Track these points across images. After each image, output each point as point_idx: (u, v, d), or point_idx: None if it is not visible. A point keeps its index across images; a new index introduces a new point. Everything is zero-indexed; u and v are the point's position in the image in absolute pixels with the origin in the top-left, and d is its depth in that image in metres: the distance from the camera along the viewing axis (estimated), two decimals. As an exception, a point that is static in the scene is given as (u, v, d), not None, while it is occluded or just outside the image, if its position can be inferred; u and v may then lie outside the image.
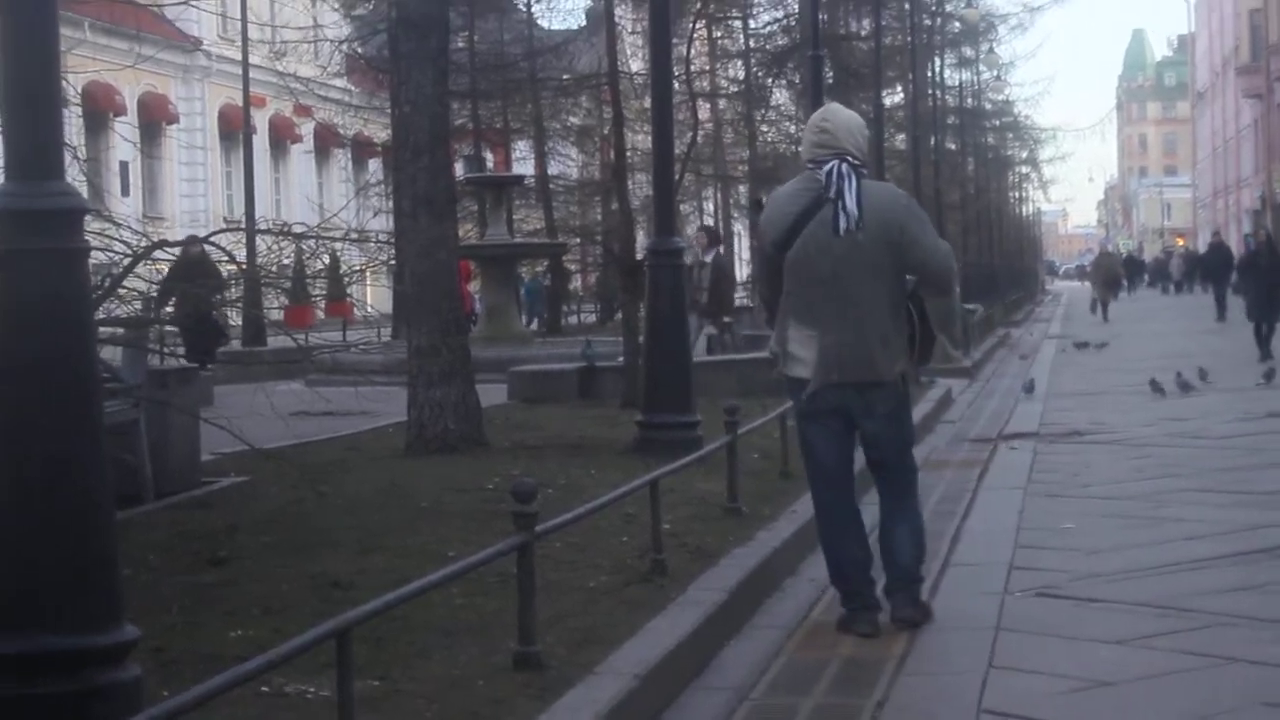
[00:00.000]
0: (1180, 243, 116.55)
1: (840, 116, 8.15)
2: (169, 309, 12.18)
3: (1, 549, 4.88)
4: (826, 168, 7.81)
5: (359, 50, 39.75)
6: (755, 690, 6.85)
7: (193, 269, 15.56)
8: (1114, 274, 55.28)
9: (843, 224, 7.71)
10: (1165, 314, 52.18)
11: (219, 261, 11.93)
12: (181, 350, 13.29)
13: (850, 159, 7.85)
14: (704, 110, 42.69)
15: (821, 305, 7.76)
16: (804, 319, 7.81)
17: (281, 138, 62.09)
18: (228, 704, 5.38)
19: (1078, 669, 6.95)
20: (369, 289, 37.17)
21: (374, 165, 54.64)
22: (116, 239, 10.00)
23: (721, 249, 22.06)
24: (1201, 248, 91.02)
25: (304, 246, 11.62)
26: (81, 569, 4.87)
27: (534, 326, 39.90)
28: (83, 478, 4.94)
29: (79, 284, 5.05)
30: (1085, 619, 7.97)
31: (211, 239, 12.01)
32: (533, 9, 42.55)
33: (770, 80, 44.50)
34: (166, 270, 15.64)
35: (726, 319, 23.50)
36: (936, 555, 9.59)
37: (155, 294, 11.71)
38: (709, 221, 64.60)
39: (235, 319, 20.85)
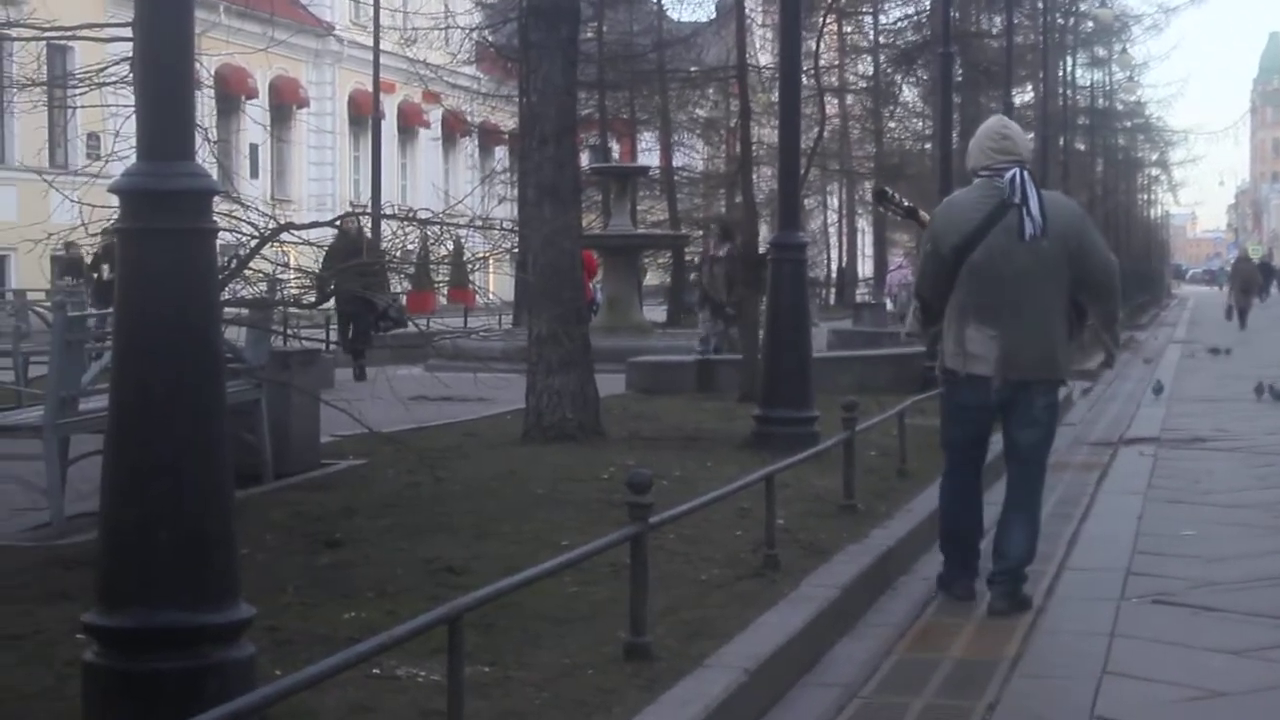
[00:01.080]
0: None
1: (1015, 127, 8.60)
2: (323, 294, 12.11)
3: (122, 524, 4.94)
4: (1009, 175, 8.19)
5: (489, 38, 39.92)
6: (865, 688, 6.82)
7: (354, 249, 15.44)
8: (1253, 279, 52.92)
9: (1029, 230, 8.10)
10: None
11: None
12: (305, 331, 13.28)
13: (1027, 168, 8.28)
14: (831, 106, 42.57)
15: (1003, 307, 8.11)
16: (985, 320, 8.13)
17: (409, 124, 62.56)
18: (339, 685, 5.44)
19: (1192, 678, 6.88)
20: (491, 276, 37.33)
21: (500, 153, 54.95)
22: (244, 220, 10.09)
23: (737, 241, 21.64)
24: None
25: (428, 232, 11.67)
26: (200, 547, 4.92)
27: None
28: (204, 456, 4.98)
29: (206, 264, 5.09)
30: (1202, 628, 7.88)
31: (337, 222, 12.08)
32: (662, 0, 42.55)
33: (899, 77, 44.31)
34: (326, 253, 15.52)
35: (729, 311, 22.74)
36: (1052, 558, 9.54)
37: (317, 277, 11.69)
38: (833, 218, 64.51)
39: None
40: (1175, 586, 8.83)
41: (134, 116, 5.17)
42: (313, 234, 11.37)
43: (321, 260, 14.01)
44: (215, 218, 5.20)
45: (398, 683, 5.84)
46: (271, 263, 11.08)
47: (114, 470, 5.00)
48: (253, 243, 9.91)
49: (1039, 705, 6.75)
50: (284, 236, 10.55)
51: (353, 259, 12.90)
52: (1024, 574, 8.28)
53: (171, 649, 4.86)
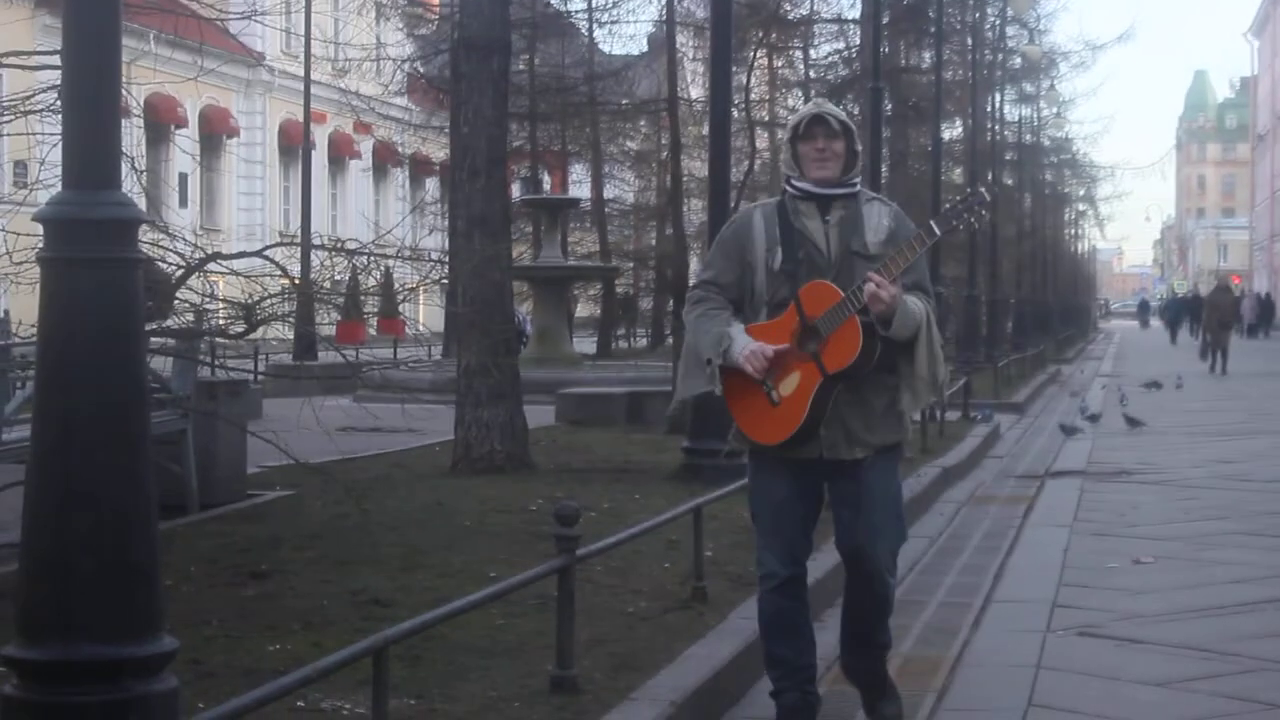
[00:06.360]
0: (1237, 281, 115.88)
1: None
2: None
3: (43, 555, 4.89)
4: None
5: (420, 70, 39.88)
6: (792, 721, 6.80)
7: None
8: (1231, 313, 44.09)
9: None
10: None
11: (268, 275, 11.81)
12: (231, 362, 13.13)
13: None
14: (762, 139, 42.71)
15: None
16: None
17: (340, 154, 62.46)
18: (264, 718, 5.40)
19: (1117, 710, 6.91)
20: (421, 307, 37.19)
21: (431, 184, 54.89)
22: (170, 250, 10.04)
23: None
24: (1262, 288, 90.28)
25: (357, 263, 11.62)
26: (121, 578, 4.87)
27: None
28: (126, 487, 4.94)
29: (131, 293, 5.05)
30: (1127, 660, 7.92)
31: (265, 252, 11.99)
32: (594, 33, 42.62)
33: (829, 111, 44.38)
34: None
35: None
36: (979, 591, 9.59)
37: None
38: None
39: (287, 333, 20.67)
40: (1101, 619, 8.88)
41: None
42: (240, 264, 11.30)
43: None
44: (142, 247, 5.16)
45: (323, 716, 5.81)
46: (198, 294, 11.02)
47: (35, 501, 4.95)
48: (179, 273, 9.85)
49: (965, 738, 6.77)
50: (212, 266, 10.50)
51: None
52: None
53: (93, 682, 4.80)
